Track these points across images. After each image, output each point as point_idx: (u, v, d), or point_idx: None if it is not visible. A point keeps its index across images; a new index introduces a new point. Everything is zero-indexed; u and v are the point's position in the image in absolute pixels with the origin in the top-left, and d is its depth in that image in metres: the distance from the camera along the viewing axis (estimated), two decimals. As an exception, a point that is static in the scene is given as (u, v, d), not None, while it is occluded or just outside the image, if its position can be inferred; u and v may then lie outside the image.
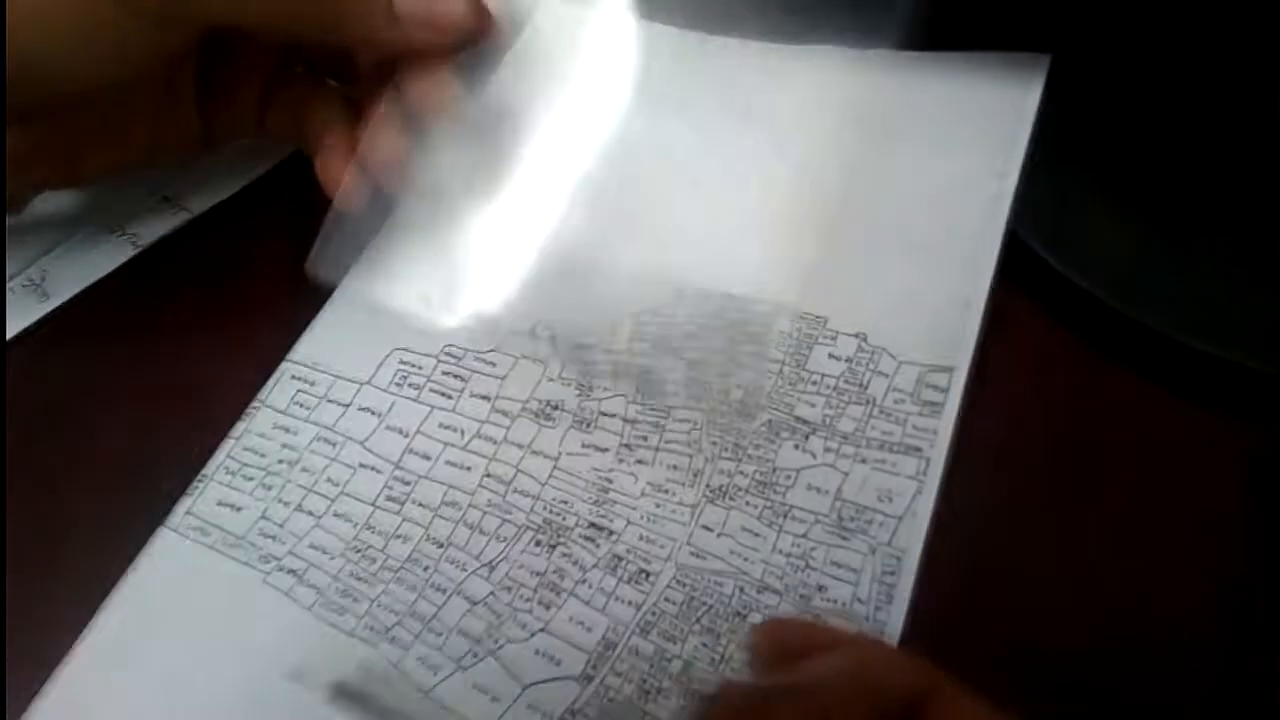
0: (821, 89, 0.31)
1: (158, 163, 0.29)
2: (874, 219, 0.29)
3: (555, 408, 0.27)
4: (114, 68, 0.23)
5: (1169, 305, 0.27)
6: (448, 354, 0.28)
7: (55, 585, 0.25)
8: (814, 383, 0.27)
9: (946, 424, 0.26)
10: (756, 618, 0.24)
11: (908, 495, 0.25)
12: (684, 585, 0.24)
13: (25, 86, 0.23)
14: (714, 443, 0.26)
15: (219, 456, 0.27)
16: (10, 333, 0.29)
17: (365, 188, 0.26)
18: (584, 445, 0.27)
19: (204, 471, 0.26)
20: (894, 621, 0.23)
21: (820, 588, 0.24)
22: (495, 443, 0.27)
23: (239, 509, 0.26)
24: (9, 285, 0.30)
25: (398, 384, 0.28)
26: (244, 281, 0.30)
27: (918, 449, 0.25)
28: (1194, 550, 0.25)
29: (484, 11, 0.25)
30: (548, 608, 0.24)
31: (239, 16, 0.23)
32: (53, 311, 0.29)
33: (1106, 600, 0.24)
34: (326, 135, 0.27)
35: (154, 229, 0.31)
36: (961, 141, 0.30)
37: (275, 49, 0.28)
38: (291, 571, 0.25)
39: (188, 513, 0.26)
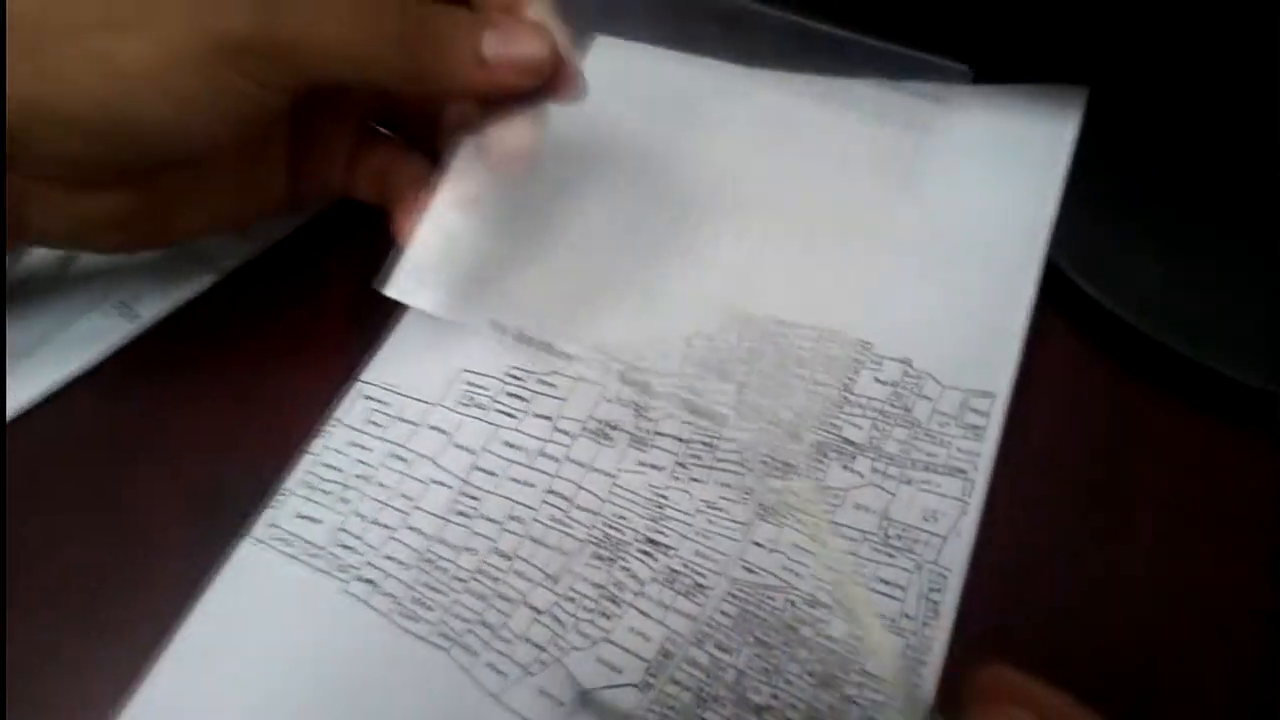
0: (864, 120, 0.33)
1: (244, 226, 0.31)
2: (917, 247, 0.30)
3: (613, 427, 0.29)
4: (218, 128, 0.25)
5: (1202, 331, 0.28)
6: (511, 375, 0.30)
7: (142, 592, 0.27)
8: (860, 405, 0.28)
9: (989, 447, 0.27)
10: (807, 631, 0.25)
11: (952, 515, 0.26)
12: (737, 599, 0.26)
13: (131, 147, 0.24)
14: (764, 462, 0.28)
15: (298, 471, 0.28)
16: (102, 352, 0.31)
17: (440, 234, 0.28)
18: (640, 464, 0.28)
19: (285, 485, 0.28)
20: (939, 637, 0.24)
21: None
22: (557, 460, 0.28)
23: (318, 521, 0.27)
24: (102, 307, 0.32)
25: (464, 404, 0.30)
26: (317, 305, 0.32)
27: (962, 470, 0.26)
28: (1231, 564, 0.26)
29: (561, 55, 0.26)
30: (608, 618, 0.26)
31: (339, 72, 0.25)
32: (142, 333, 0.31)
33: (1146, 615, 0.25)
34: (407, 196, 0.28)
35: (234, 256, 0.33)
36: (1001, 171, 0.31)
37: (363, 112, 0.30)
38: (369, 580, 0.26)
39: (270, 524, 0.27)
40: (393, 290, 0.28)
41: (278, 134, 0.29)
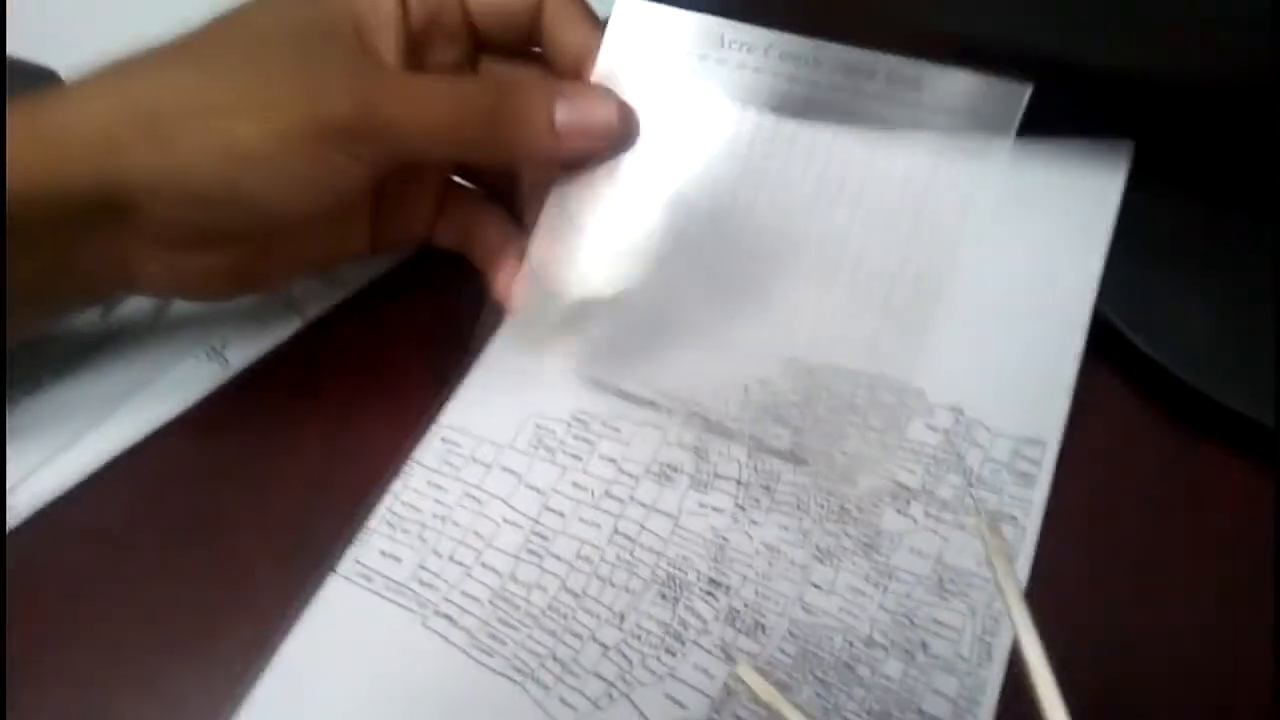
0: (916, 172, 0.34)
1: (330, 268, 0.33)
2: (969, 297, 0.31)
3: (675, 470, 0.30)
4: (320, 198, 0.27)
5: (1248, 384, 0.29)
6: (578, 419, 0.32)
7: (239, 625, 0.28)
8: (913, 451, 0.29)
9: (1040, 494, 0.28)
10: (864, 670, 0.26)
11: (1004, 560, 0.27)
12: (796, 638, 0.27)
13: (241, 216, 0.27)
14: (821, 506, 0.29)
15: (380, 510, 0.30)
16: (195, 397, 0.33)
17: (535, 291, 0.30)
18: (701, 505, 0.30)
19: (368, 524, 0.30)
20: (993, 678, 0.25)
21: (923, 644, 0.26)
22: (622, 502, 0.30)
23: (399, 559, 0.29)
24: (194, 354, 0.34)
25: (534, 446, 0.31)
26: (397, 350, 0.34)
27: (1013, 517, 0.27)
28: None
29: (631, 115, 0.28)
30: (673, 655, 0.27)
31: (428, 150, 0.27)
32: (231, 378, 0.33)
33: (1194, 662, 0.26)
34: (498, 252, 0.31)
35: (319, 303, 0.35)
36: (1050, 224, 0.32)
37: (445, 168, 0.32)
38: (446, 616, 0.28)
39: (355, 560, 0.29)
40: (493, 352, 0.30)
41: (364, 195, 0.31)
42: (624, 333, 0.32)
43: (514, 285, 0.30)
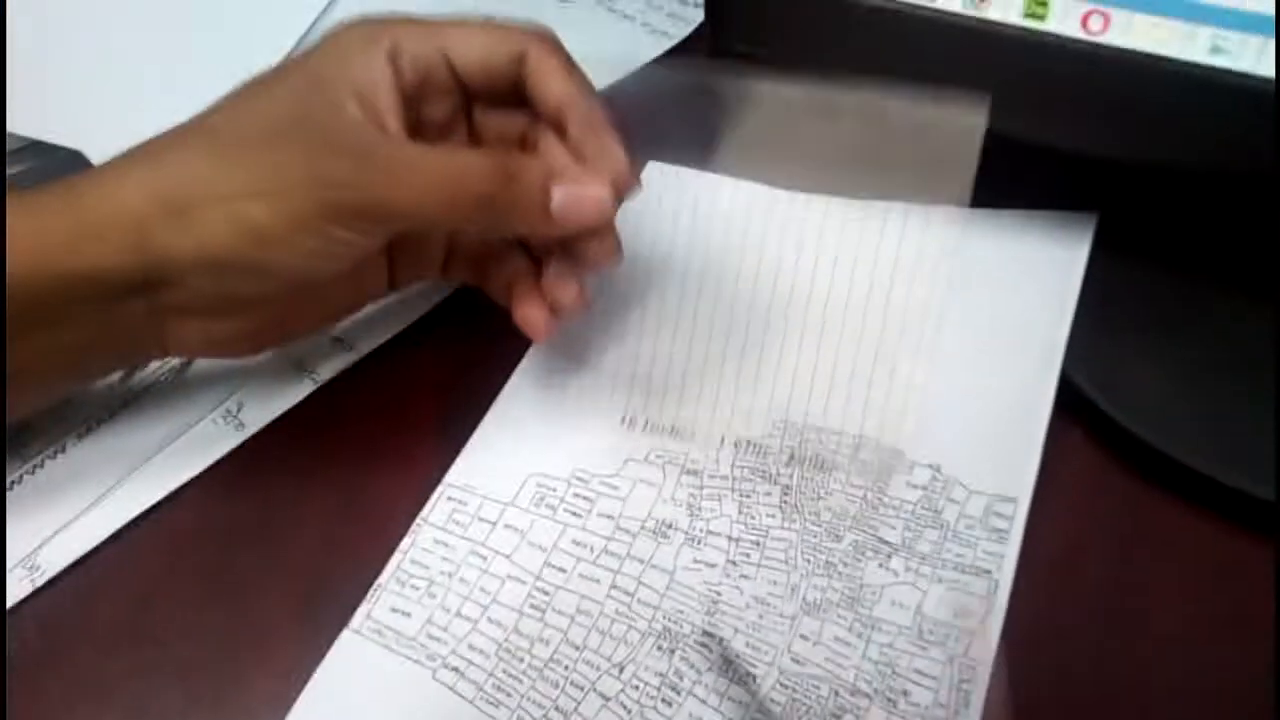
0: (893, 241, 0.36)
1: (353, 313, 0.36)
2: (944, 361, 0.33)
3: (670, 527, 0.32)
4: (332, 265, 0.29)
5: (1207, 443, 0.31)
6: (577, 478, 0.33)
7: (260, 679, 0.30)
8: (894, 508, 0.31)
9: (1012, 549, 0.29)
10: (850, 718, 0.28)
11: (980, 613, 0.29)
12: (786, 687, 0.28)
13: (261, 286, 0.29)
14: (808, 560, 0.31)
15: (390, 568, 0.32)
16: (212, 458, 0.35)
17: (557, 323, 0.32)
18: (695, 561, 0.31)
19: (378, 581, 0.31)
20: (970, 724, 0.27)
21: (905, 692, 0.28)
22: (620, 558, 0.31)
23: (408, 614, 0.31)
24: (211, 417, 0.36)
25: (535, 504, 0.33)
26: (406, 411, 0.36)
27: (987, 571, 0.29)
28: (1247, 669, 0.28)
29: (627, 184, 0.30)
30: (670, 704, 0.28)
31: (430, 225, 0.30)
32: (247, 440, 0.35)
33: (1162, 707, 0.28)
34: (517, 286, 0.33)
35: (330, 366, 0.37)
36: (1020, 292, 0.34)
37: None
38: (454, 669, 0.30)
39: (367, 617, 0.31)
40: (497, 410, 0.33)
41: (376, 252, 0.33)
42: (614, 394, 0.35)
43: (535, 317, 0.32)
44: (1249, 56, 0.28)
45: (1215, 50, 0.28)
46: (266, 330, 0.32)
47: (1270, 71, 0.27)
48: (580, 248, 0.31)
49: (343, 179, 0.28)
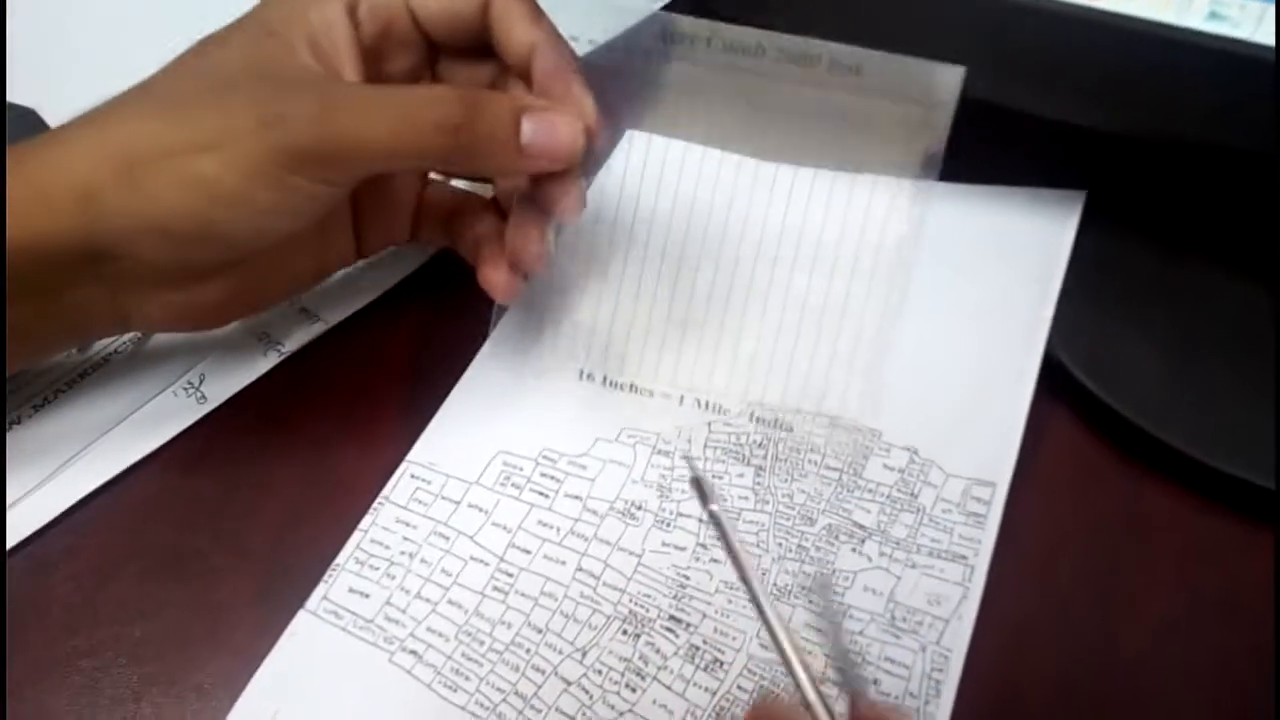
0: (874, 217, 0.34)
1: (320, 281, 0.34)
2: (924, 340, 0.32)
3: (639, 508, 0.31)
4: (293, 222, 0.28)
5: (1197, 426, 0.30)
6: (545, 457, 0.32)
7: (216, 658, 0.29)
8: (870, 491, 0.30)
9: (989, 535, 0.29)
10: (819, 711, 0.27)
11: (954, 600, 0.28)
12: (754, 674, 0.28)
13: (221, 250, 0.28)
14: (779, 544, 0.30)
15: (349, 547, 0.31)
16: (172, 432, 0.34)
17: (521, 283, 0.31)
18: (664, 544, 0.30)
19: (337, 561, 0.31)
20: (942, 714, 0.26)
21: (875, 681, 0.27)
22: (586, 539, 0.31)
23: (367, 595, 0.30)
24: (172, 388, 0.35)
25: (501, 484, 0.32)
26: (372, 385, 0.35)
27: (963, 557, 0.28)
28: (1228, 654, 0.27)
29: (596, 129, 0.28)
30: (633, 690, 0.28)
31: (392, 164, 0.28)
32: (209, 413, 0.34)
33: (1144, 700, 0.27)
34: (484, 247, 0.31)
35: (296, 338, 0.36)
36: (1004, 269, 0.33)
37: (421, 171, 0.33)
38: (412, 652, 0.29)
39: (324, 598, 0.30)
40: (462, 388, 0.33)
41: (341, 207, 0.32)
42: (582, 384, 0.34)
43: (497, 278, 0.31)
44: (1248, 23, 0.26)
45: (1214, 16, 0.27)
46: (229, 302, 0.31)
47: (1270, 39, 0.26)
48: (545, 194, 0.29)
49: (295, 118, 0.26)
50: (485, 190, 0.35)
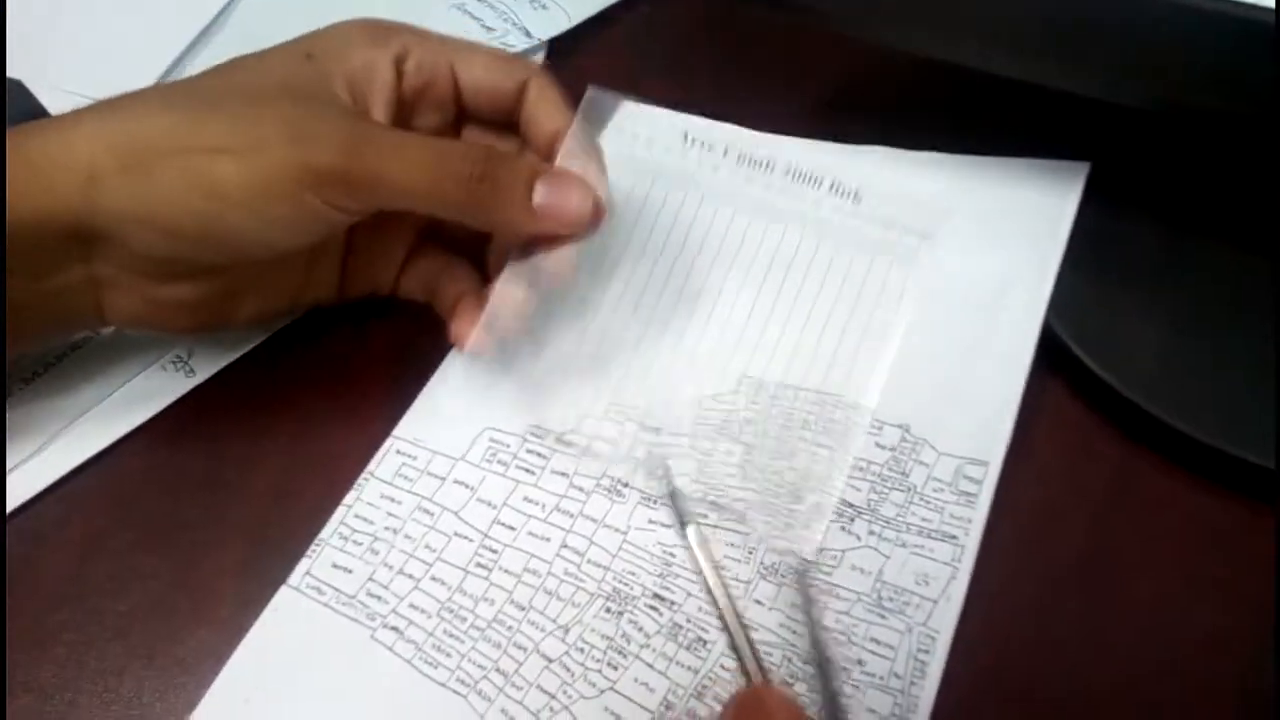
0: (871, 188, 0.34)
1: (295, 314, 0.34)
2: (919, 315, 0.32)
3: (625, 485, 0.31)
4: (294, 240, 0.28)
5: (1201, 406, 0.29)
6: (532, 434, 0.32)
7: (200, 631, 0.29)
8: (860, 469, 0.30)
9: (980, 514, 0.28)
10: (801, 687, 0.26)
11: (943, 580, 0.27)
12: (737, 653, 0.27)
13: (214, 252, 0.28)
14: (767, 522, 0.29)
15: (333, 523, 0.31)
16: (160, 406, 0.34)
17: (492, 341, 0.31)
18: (650, 521, 0.30)
19: (320, 536, 0.30)
20: (926, 696, 0.26)
21: (860, 661, 0.26)
22: (572, 516, 0.30)
23: (350, 571, 0.30)
24: (160, 362, 0.34)
25: (488, 460, 0.32)
26: (360, 361, 0.35)
27: (953, 536, 0.28)
28: (1223, 635, 0.27)
29: (600, 207, 0.29)
30: (615, 669, 0.27)
31: (408, 204, 0.28)
32: (196, 387, 0.34)
33: (1135, 684, 0.26)
34: (461, 303, 0.31)
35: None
36: (1001, 243, 0.32)
37: (417, 225, 0.33)
38: (394, 628, 0.28)
39: (307, 573, 0.30)
40: (450, 364, 0.33)
41: (336, 240, 0.32)
42: (578, 359, 0.33)
43: (470, 331, 0.31)
44: (1255, -14, 0.25)
45: (1219, -21, 0.26)
46: (205, 310, 0.30)
47: (1271, 2, 0.25)
48: (543, 257, 0.30)
49: (328, 142, 0.26)
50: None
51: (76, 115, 0.27)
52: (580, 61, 0.31)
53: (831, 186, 0.31)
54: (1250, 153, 0.30)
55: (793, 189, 0.32)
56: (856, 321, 0.32)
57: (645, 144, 0.33)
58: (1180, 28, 0.25)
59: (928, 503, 0.29)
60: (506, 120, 0.32)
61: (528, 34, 0.43)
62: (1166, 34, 0.26)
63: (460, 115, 0.32)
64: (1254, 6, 0.24)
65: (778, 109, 0.37)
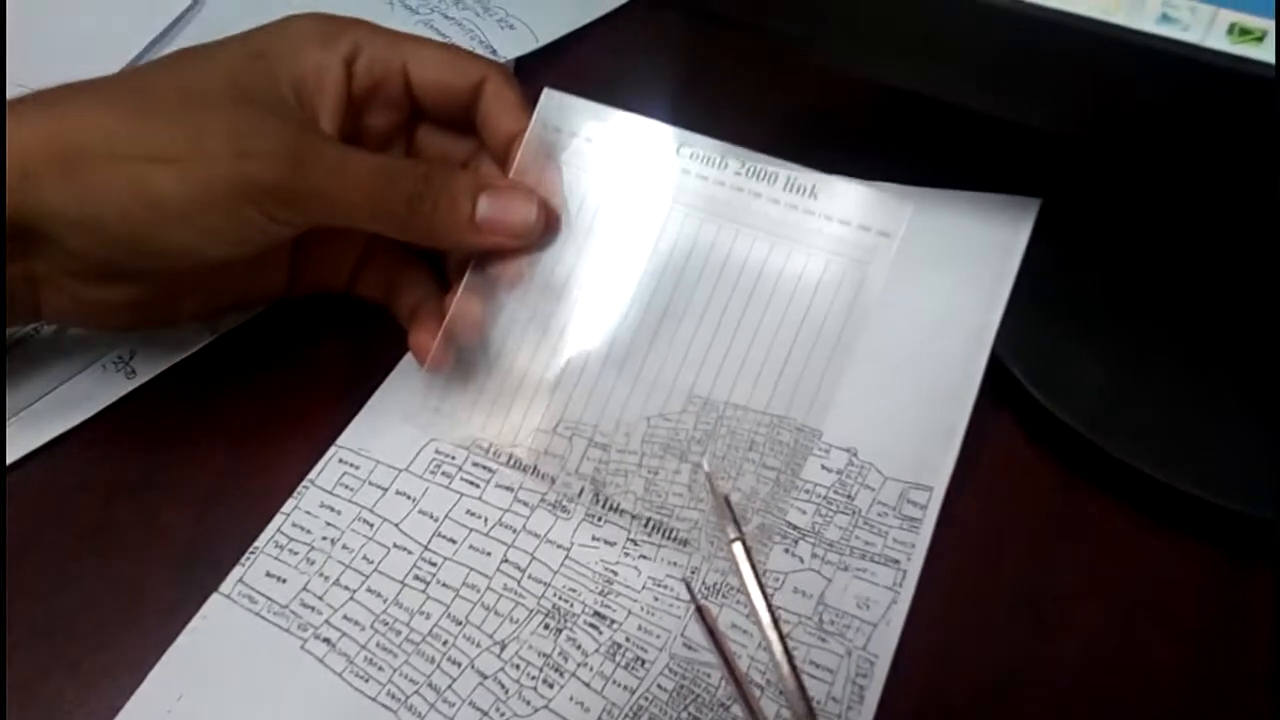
0: (828, 184, 0.34)
1: (242, 309, 0.34)
2: (870, 342, 0.32)
3: (571, 501, 0.30)
4: (232, 250, 0.27)
5: (1144, 440, 0.29)
6: (478, 446, 0.32)
7: (127, 638, 0.28)
8: (806, 491, 0.30)
9: (923, 540, 0.28)
10: (738, 709, 0.26)
11: (884, 604, 0.27)
12: (675, 674, 0.27)
13: (151, 259, 0.27)
14: (711, 542, 0.29)
15: (270, 531, 0.30)
16: (99, 406, 0.33)
17: (451, 354, 0.31)
18: (594, 538, 0.30)
19: (256, 544, 0.30)
20: (863, 721, 0.25)
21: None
22: (515, 531, 0.30)
23: (284, 580, 0.29)
24: (101, 362, 0.34)
25: (432, 472, 0.31)
26: (306, 368, 0.34)
27: (896, 561, 0.28)
28: (1161, 663, 0.27)
29: (551, 214, 0.29)
30: (551, 686, 0.27)
31: (349, 221, 0.28)
32: (137, 389, 0.33)
33: (1071, 712, 0.26)
34: (420, 310, 0.31)
35: (231, 318, 0.35)
36: (952, 273, 0.33)
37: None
38: (326, 640, 0.28)
39: (239, 581, 0.29)
40: (397, 375, 0.33)
41: (285, 241, 0.31)
42: (522, 362, 0.33)
43: (429, 343, 0.30)
44: (1199, 27, 0.26)
45: (1164, 19, 0.26)
46: (144, 309, 0.30)
47: (1221, 45, 0.25)
48: (493, 267, 0.30)
49: (270, 157, 0.26)
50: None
51: (18, 107, 0.26)
52: (547, 81, 0.30)
53: (787, 183, 0.31)
54: (1198, 188, 0.31)
55: (747, 184, 0.31)
56: (807, 334, 0.31)
57: (600, 146, 0.33)
58: (1130, 65, 0.26)
59: (872, 527, 0.28)
60: (464, 119, 0.31)
61: (494, 53, 0.43)
62: (1107, 67, 0.27)
63: (414, 115, 0.32)
64: (1204, 49, 0.25)
65: (734, 138, 0.37)
